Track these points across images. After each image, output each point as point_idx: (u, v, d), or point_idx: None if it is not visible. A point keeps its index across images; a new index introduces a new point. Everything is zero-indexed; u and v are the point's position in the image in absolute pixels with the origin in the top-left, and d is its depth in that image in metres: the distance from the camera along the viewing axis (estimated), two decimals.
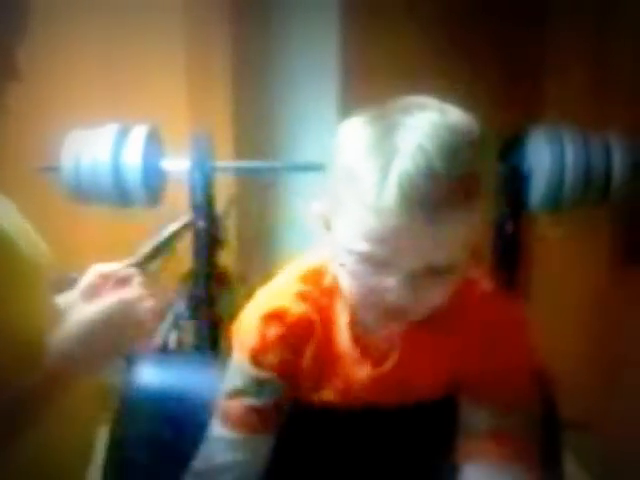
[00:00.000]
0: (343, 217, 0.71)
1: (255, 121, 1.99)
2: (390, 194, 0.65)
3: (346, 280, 0.75)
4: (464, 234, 0.69)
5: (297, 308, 0.82)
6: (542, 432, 0.82)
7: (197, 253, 1.54)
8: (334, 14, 1.94)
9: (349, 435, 0.88)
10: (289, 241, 2.06)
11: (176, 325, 1.55)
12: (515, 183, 1.53)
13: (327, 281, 0.81)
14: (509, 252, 1.49)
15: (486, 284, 0.84)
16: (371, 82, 1.84)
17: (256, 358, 0.82)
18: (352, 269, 0.73)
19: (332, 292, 0.81)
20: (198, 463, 0.83)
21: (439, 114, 0.69)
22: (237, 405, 0.82)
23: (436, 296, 0.73)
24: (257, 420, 0.82)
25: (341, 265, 0.74)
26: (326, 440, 0.89)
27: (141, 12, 1.86)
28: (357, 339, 0.82)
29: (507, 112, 1.73)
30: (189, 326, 1.55)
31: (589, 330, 1.83)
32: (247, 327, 0.84)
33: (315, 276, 0.83)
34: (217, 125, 1.81)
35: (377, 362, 0.82)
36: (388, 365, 0.82)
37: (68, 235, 1.76)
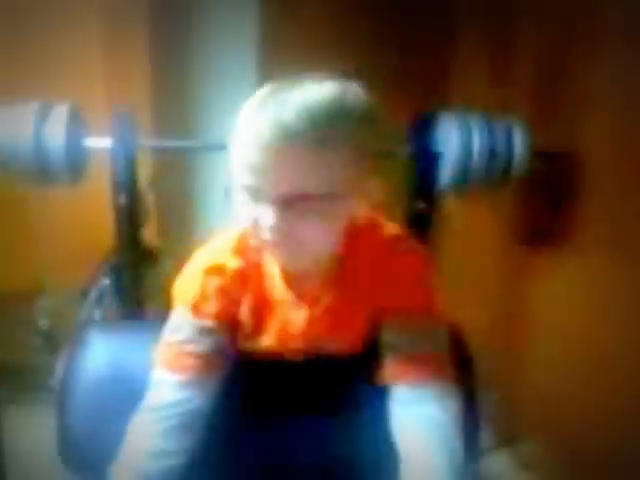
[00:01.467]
0: (233, 160, 0.84)
1: (173, 100, 2.00)
2: (258, 133, 0.79)
3: (243, 219, 0.85)
4: (317, 171, 0.80)
5: (233, 263, 0.94)
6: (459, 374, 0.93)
7: (120, 230, 1.56)
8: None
9: (286, 382, 1.00)
10: (206, 217, 2.11)
11: (100, 302, 1.57)
12: (425, 163, 1.63)
13: (253, 242, 0.90)
14: (420, 229, 1.58)
15: (392, 229, 0.98)
16: (286, 62, 1.90)
17: (197, 308, 0.92)
18: (241, 205, 0.84)
19: (260, 249, 0.91)
20: (147, 403, 0.91)
21: (316, 83, 0.83)
22: (181, 352, 0.91)
23: (318, 228, 0.83)
24: (201, 364, 0.91)
25: (239, 208, 0.85)
26: (265, 387, 1.00)
27: None
28: (290, 286, 0.94)
29: (415, 97, 1.84)
30: (113, 303, 1.58)
31: (491, 303, 1.97)
32: (188, 281, 0.94)
33: (242, 239, 0.93)
34: (136, 104, 1.81)
35: (311, 304, 0.95)
36: (320, 307, 0.95)
37: None
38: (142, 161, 1.66)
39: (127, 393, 0.92)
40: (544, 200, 1.78)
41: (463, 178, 1.59)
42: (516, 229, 1.88)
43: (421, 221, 1.63)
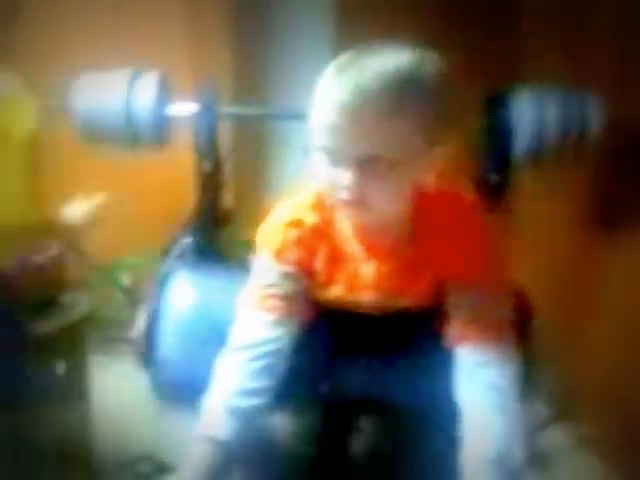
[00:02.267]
0: (313, 122, 0.90)
1: (252, 70, 2.07)
2: (336, 95, 0.86)
3: (320, 180, 0.93)
4: (392, 136, 0.86)
5: (311, 218, 1.03)
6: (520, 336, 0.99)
7: (202, 194, 1.65)
8: None
9: (353, 333, 1.08)
10: (280, 183, 2.18)
11: (181, 259, 1.66)
12: (499, 136, 1.64)
13: (328, 199, 0.98)
14: (493, 201, 1.60)
15: (462, 195, 1.04)
16: (361, 33, 1.93)
17: (280, 255, 1.02)
18: (319, 166, 0.91)
19: (334, 206, 0.98)
20: (236, 342, 1.00)
21: (393, 52, 0.89)
22: (267, 294, 1.01)
23: (384, 190, 0.90)
24: (284, 305, 1.01)
25: (316, 169, 0.92)
26: (338, 334, 1.08)
27: None
28: (361, 241, 1.02)
29: (492, 70, 1.85)
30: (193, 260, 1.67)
31: (560, 278, 1.97)
32: (272, 232, 1.04)
33: (319, 196, 1.01)
34: (217, 73, 1.88)
35: (380, 260, 1.02)
36: (389, 263, 1.02)
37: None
38: (222, 127, 1.74)
39: (214, 328, 1.02)
40: (620, 177, 1.76)
41: (537, 151, 1.60)
42: (591, 206, 1.87)
43: (494, 194, 1.65)
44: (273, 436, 1.11)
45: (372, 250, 1.02)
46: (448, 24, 1.97)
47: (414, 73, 0.87)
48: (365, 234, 1.01)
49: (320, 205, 1.01)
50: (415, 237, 1.01)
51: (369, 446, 1.12)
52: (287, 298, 1.01)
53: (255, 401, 0.97)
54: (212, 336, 1.03)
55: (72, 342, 1.50)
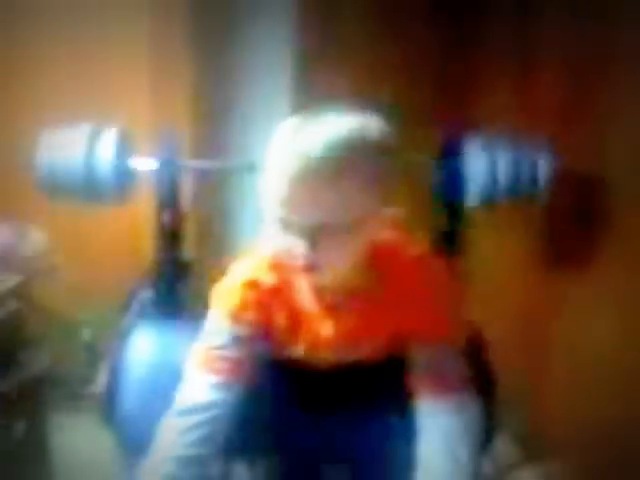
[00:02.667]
0: (265, 193, 0.92)
1: (212, 124, 2.10)
2: (286, 169, 0.88)
3: (275, 245, 0.95)
4: (342, 201, 0.88)
5: (269, 279, 1.03)
6: (478, 384, 1.01)
7: (162, 248, 1.65)
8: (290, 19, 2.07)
9: (312, 388, 1.09)
10: (239, 234, 2.20)
11: (141, 313, 1.65)
12: (451, 184, 1.69)
13: (285, 262, 0.98)
14: (446, 249, 1.64)
15: (418, 249, 1.06)
16: (320, 87, 2.00)
17: (236, 317, 1.02)
18: (272, 231, 0.93)
19: (291, 267, 0.98)
20: (180, 403, 1.00)
21: (338, 117, 0.92)
22: (216, 356, 1.00)
23: (338, 253, 0.92)
24: (232, 369, 1.00)
25: (271, 234, 0.94)
26: (294, 393, 1.09)
27: (106, 11, 1.95)
28: (319, 300, 1.03)
29: (443, 119, 1.91)
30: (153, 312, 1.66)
31: (517, 322, 2.01)
32: (228, 292, 1.03)
33: (276, 256, 1.01)
34: (178, 126, 1.91)
35: (337, 320, 1.03)
36: (347, 323, 1.03)
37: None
38: (183, 181, 1.76)
39: (175, 383, 1.03)
40: (570, 222, 1.82)
41: (489, 200, 1.65)
42: (542, 250, 1.93)
43: (447, 242, 1.68)
44: None
45: (330, 308, 1.03)
46: (401, 73, 2.04)
47: (357, 138, 0.89)
48: (323, 293, 1.03)
49: (278, 265, 1.01)
50: (373, 291, 1.02)
51: None
52: (236, 362, 1.00)
53: (193, 470, 0.96)
54: (174, 391, 1.02)
55: (32, 401, 1.48)
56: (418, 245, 1.08)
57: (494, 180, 1.63)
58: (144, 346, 1.22)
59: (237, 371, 1.00)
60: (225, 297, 1.03)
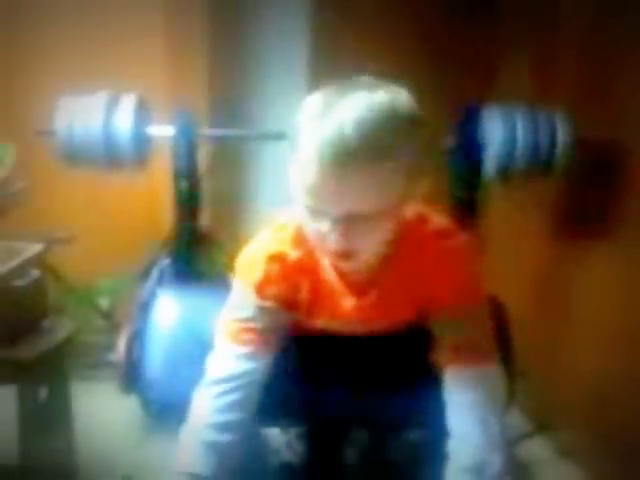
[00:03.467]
0: (295, 180, 0.89)
1: (228, 92, 2.09)
2: (317, 156, 0.83)
3: (305, 229, 0.93)
4: (379, 188, 0.85)
5: (293, 253, 1.02)
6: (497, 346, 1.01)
7: (180, 215, 1.66)
8: None
9: (337, 356, 1.09)
10: (257, 205, 2.20)
11: (160, 280, 1.67)
12: (471, 153, 1.68)
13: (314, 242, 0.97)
14: (465, 218, 1.64)
15: (438, 221, 1.04)
16: (337, 57, 1.99)
17: (261, 290, 1.01)
18: (304, 219, 0.91)
19: (321, 250, 0.98)
20: (211, 375, 1.01)
21: (368, 95, 0.86)
22: (244, 328, 1.01)
23: (371, 239, 0.90)
24: (260, 339, 1.01)
25: (302, 217, 0.92)
26: (319, 360, 1.09)
27: None
28: (341, 278, 1.02)
29: (461, 91, 1.90)
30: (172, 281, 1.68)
31: (533, 290, 2.02)
32: (253, 264, 1.02)
33: (300, 230, 0.99)
34: (195, 94, 1.91)
35: (359, 295, 1.03)
36: (369, 298, 1.03)
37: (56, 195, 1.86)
38: (200, 149, 1.76)
39: (199, 346, 1.04)
40: (588, 190, 1.81)
41: (507, 168, 1.64)
42: (560, 218, 1.92)
43: (466, 210, 1.69)
44: (265, 449, 1.12)
45: (351, 285, 1.03)
46: (421, 43, 2.02)
47: (391, 116, 0.85)
48: (344, 270, 1.02)
49: (302, 239, 1.00)
50: (395, 266, 1.02)
51: (359, 458, 1.14)
52: (264, 332, 1.01)
53: (230, 435, 0.98)
54: (198, 354, 1.03)
55: (54, 368, 1.49)
56: (437, 216, 1.06)
57: (512, 148, 1.63)
58: (167, 311, 1.23)
59: (264, 341, 1.01)
60: (250, 270, 1.02)
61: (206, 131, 1.75)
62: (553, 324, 1.95)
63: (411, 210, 0.98)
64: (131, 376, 1.32)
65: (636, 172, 1.62)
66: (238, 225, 2.09)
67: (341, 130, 0.82)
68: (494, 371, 0.99)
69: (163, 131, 1.63)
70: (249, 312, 1.01)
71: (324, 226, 0.88)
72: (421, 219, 1.02)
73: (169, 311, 1.22)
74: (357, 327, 1.05)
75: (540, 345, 1.92)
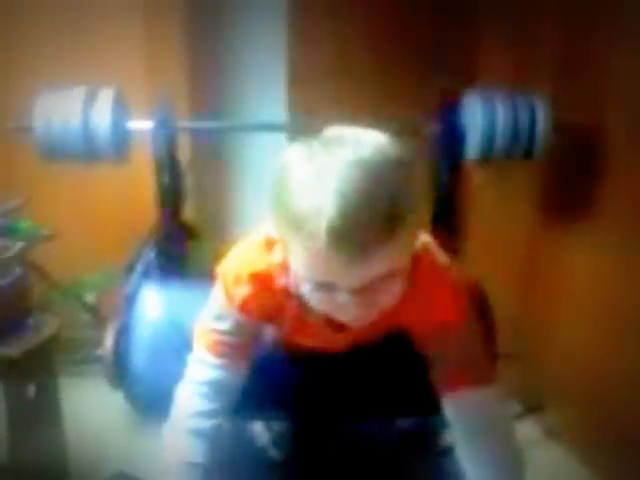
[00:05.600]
0: (292, 254, 0.82)
1: (208, 84, 2.09)
2: (322, 241, 0.75)
3: (306, 296, 0.87)
4: (397, 251, 0.79)
5: (281, 280, 0.95)
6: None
7: (163, 209, 1.66)
8: None
9: (323, 362, 1.08)
10: (240, 199, 2.20)
11: (146, 275, 1.66)
12: (452, 137, 1.69)
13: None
14: (446, 201, 1.65)
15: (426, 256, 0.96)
16: (316, 46, 1.99)
17: (243, 307, 0.98)
18: (308, 291, 0.85)
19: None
20: (189, 375, 1.01)
21: (354, 150, 0.78)
22: (222, 340, 1.00)
23: (387, 297, 0.85)
24: (238, 353, 1.00)
25: (301, 284, 0.86)
26: (304, 364, 1.09)
27: None
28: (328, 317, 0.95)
29: (444, 78, 1.90)
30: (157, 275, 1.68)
31: (517, 273, 2.03)
32: (237, 280, 0.97)
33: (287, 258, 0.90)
34: (173, 87, 1.90)
35: (337, 329, 0.98)
36: (355, 329, 0.96)
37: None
38: (180, 142, 1.76)
39: (185, 340, 1.04)
40: (568, 175, 1.82)
41: (488, 152, 1.65)
42: (540, 203, 1.93)
43: (448, 195, 1.69)
44: (250, 443, 1.13)
45: (329, 321, 0.97)
46: (402, 29, 2.02)
47: (391, 186, 0.77)
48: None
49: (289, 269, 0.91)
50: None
51: (344, 454, 1.15)
52: (240, 346, 1.00)
53: (214, 421, 0.99)
54: (184, 348, 1.03)
55: (40, 364, 1.49)
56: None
57: (493, 133, 1.63)
58: (152, 305, 1.23)
59: (240, 355, 1.00)
60: (233, 285, 0.97)
61: (186, 123, 1.74)
62: (542, 306, 1.96)
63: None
64: (118, 371, 1.32)
65: (617, 155, 1.63)
66: (222, 218, 2.10)
67: (343, 210, 0.74)
68: (492, 394, 0.97)
69: (142, 125, 1.63)
70: (227, 326, 0.99)
71: (340, 297, 0.82)
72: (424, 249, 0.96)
73: (153, 305, 1.22)
74: (341, 348, 1.05)
75: (531, 327, 1.94)
